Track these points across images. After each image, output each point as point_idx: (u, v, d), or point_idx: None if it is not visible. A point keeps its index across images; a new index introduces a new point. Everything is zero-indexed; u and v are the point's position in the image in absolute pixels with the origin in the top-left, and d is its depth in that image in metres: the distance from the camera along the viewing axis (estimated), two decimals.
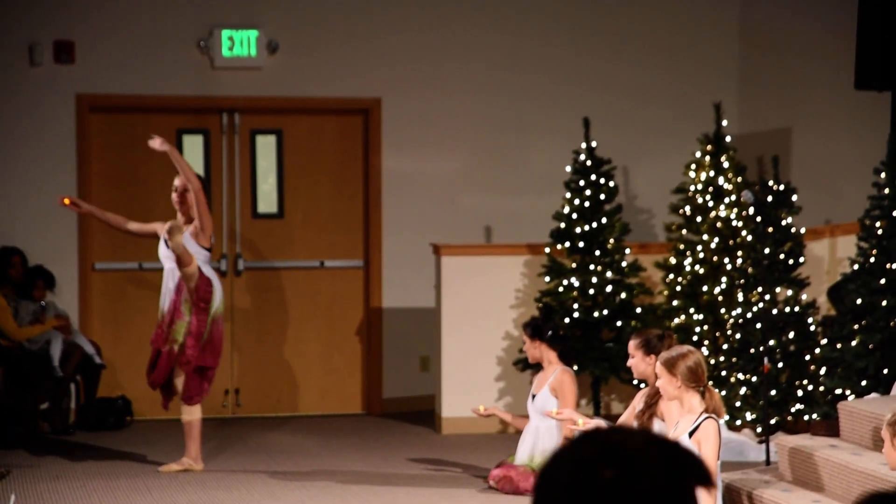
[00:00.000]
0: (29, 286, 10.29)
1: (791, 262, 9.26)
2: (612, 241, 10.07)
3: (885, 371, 8.15)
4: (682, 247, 9.99)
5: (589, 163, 10.11)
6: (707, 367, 6.90)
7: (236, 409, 10.97)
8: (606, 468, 1.93)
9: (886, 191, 8.41)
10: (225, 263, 10.96)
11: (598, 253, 10.04)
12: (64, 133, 10.66)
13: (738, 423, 9.11)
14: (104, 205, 10.86)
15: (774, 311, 9.05)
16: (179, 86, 10.80)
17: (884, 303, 8.24)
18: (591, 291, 9.96)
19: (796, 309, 9.16)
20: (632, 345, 7.13)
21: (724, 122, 10.13)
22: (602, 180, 10.12)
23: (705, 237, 9.88)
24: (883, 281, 8.29)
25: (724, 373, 9.29)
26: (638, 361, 7.09)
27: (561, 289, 10.00)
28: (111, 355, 10.64)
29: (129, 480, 8.49)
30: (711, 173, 9.97)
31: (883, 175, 8.44)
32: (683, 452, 1.97)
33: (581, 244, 10.03)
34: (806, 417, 8.86)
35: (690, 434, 6.00)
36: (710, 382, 6.17)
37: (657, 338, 7.05)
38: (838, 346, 8.45)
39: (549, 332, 8.24)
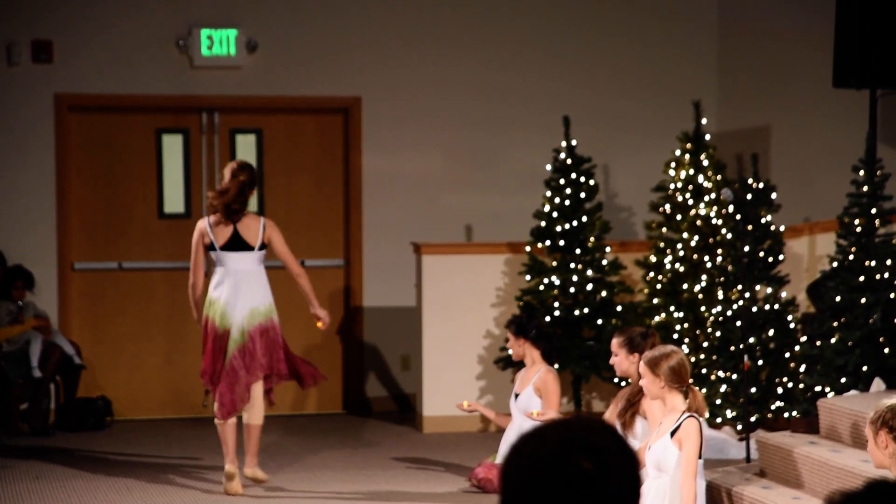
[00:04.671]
0: (8, 286, 10.25)
1: (771, 259, 9.30)
2: (592, 239, 10.08)
3: (865, 368, 8.19)
4: (662, 245, 10.02)
5: (569, 161, 10.12)
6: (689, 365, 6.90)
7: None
8: (585, 460, 2.06)
9: (865, 188, 8.44)
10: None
11: (578, 251, 10.05)
12: (42, 133, 10.62)
13: (719, 420, 9.13)
14: (84, 203, 10.82)
15: (754, 309, 9.08)
16: (158, 85, 10.77)
17: (863, 300, 8.28)
18: (572, 290, 9.98)
19: (776, 306, 9.20)
20: (615, 343, 7.14)
21: (704, 120, 10.16)
22: (582, 179, 10.13)
23: (685, 235, 9.91)
24: (862, 278, 8.33)
25: (704, 370, 9.31)
26: (621, 360, 7.10)
27: (541, 287, 10.01)
28: (91, 355, 10.61)
29: (109, 481, 8.46)
30: (691, 171, 10.00)
31: (862, 173, 8.47)
32: (628, 444, 2.17)
33: (561, 242, 10.05)
34: (786, 415, 8.89)
35: (672, 433, 6.01)
36: (691, 381, 6.18)
37: (640, 336, 7.06)
38: (818, 343, 8.49)
39: (534, 331, 8.25)
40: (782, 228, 9.47)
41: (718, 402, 9.12)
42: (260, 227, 8.19)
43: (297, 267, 8.44)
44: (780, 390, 9.08)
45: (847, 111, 9.89)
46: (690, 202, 9.96)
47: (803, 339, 8.87)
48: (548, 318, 9.85)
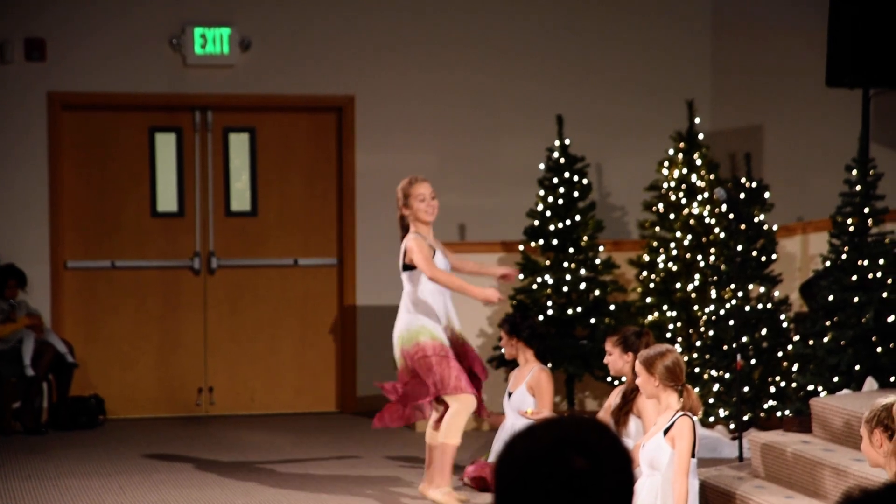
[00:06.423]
0: (0, 285, 10.24)
1: (763, 259, 9.31)
2: (585, 238, 10.09)
3: (857, 367, 8.20)
4: (655, 244, 10.03)
5: (562, 160, 10.13)
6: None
7: (210, 407, 10.94)
8: (578, 458, 2.07)
9: (858, 188, 8.46)
10: (198, 262, 10.94)
11: (571, 250, 10.06)
12: (35, 131, 10.60)
13: (712, 419, 9.14)
14: (77, 202, 10.81)
15: (747, 308, 9.09)
16: (152, 84, 10.76)
17: (855, 299, 8.29)
18: (565, 289, 9.98)
19: (769, 306, 9.21)
20: (609, 342, 7.15)
21: (697, 120, 10.17)
22: (575, 178, 10.14)
23: (678, 234, 9.92)
24: (854, 278, 8.34)
25: (697, 370, 9.32)
26: (615, 359, 7.10)
27: (535, 286, 10.02)
28: (83, 354, 10.60)
29: (101, 480, 8.46)
30: (684, 170, 10.00)
31: (854, 172, 8.49)
32: (621, 442, 2.17)
33: (555, 241, 10.06)
34: (778, 414, 8.90)
35: (665, 431, 6.02)
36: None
37: (634, 335, 7.07)
38: (810, 342, 8.50)
39: (527, 330, 8.25)
40: (775, 228, 9.48)
41: (711, 401, 9.14)
42: (402, 246, 7.93)
43: (454, 263, 8.03)
44: (772, 389, 9.09)
45: (840, 110, 9.90)
46: (683, 201, 9.97)
47: (796, 338, 8.88)
48: (541, 318, 9.85)
